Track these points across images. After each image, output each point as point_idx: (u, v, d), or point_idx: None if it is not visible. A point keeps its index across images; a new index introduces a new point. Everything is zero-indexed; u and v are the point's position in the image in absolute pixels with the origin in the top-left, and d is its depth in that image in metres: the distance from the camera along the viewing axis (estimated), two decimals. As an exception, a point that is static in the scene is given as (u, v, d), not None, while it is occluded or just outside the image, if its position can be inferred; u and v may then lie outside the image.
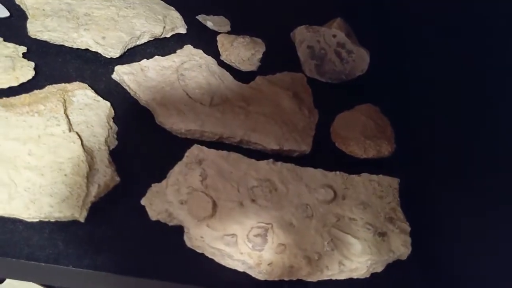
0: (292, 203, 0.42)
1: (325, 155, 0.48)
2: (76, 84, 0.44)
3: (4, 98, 0.41)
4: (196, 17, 0.58)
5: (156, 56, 0.49)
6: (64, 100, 0.42)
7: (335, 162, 0.48)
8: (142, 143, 0.44)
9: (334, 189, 0.44)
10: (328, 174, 0.45)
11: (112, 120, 0.43)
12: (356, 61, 0.55)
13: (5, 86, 0.43)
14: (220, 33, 0.57)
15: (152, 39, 0.53)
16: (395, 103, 0.55)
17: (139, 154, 0.43)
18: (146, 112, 0.46)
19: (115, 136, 0.43)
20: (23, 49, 0.47)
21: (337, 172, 0.45)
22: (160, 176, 0.41)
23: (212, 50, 0.54)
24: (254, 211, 0.40)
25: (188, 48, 0.51)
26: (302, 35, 0.57)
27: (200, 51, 0.51)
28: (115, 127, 0.43)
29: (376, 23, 0.65)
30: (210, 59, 0.51)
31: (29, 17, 0.50)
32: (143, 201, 0.39)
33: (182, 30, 0.55)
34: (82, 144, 0.39)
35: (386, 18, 0.64)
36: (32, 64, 0.46)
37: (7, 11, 0.50)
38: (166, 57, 0.49)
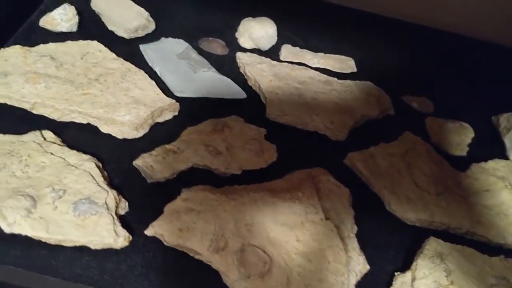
0: (531, 304, 0.43)
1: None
2: (318, 169, 0.49)
3: (265, 183, 0.46)
4: (402, 97, 0.61)
5: (382, 143, 0.53)
6: (315, 186, 0.46)
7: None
8: (376, 229, 0.47)
9: None
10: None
11: (351, 206, 0.47)
12: None
13: (257, 167, 0.49)
14: (424, 114, 0.60)
15: (366, 120, 0.57)
16: None
17: (375, 241, 0.46)
18: (377, 198, 0.49)
19: (354, 221, 0.47)
20: (264, 131, 0.52)
21: None
22: (397, 262, 0.44)
23: (421, 132, 0.57)
24: (499, 311, 0.41)
25: (409, 135, 0.54)
26: (508, 122, 0.58)
27: (419, 138, 0.54)
28: (353, 213, 0.47)
29: None
30: (429, 146, 0.54)
31: (265, 100, 0.55)
32: (392, 291, 0.42)
33: (391, 111, 0.59)
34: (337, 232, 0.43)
35: None
36: (274, 146, 0.51)
37: (244, 93, 0.56)
38: (390, 144, 0.53)
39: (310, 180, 0.47)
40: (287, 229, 0.43)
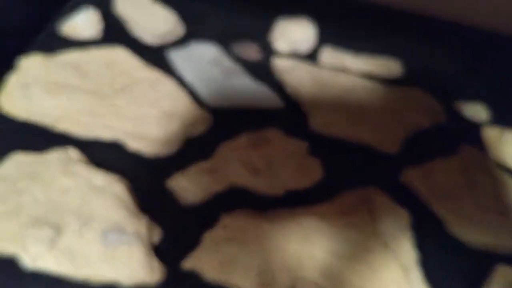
0: None
1: None
2: (371, 189, 0.44)
3: (313, 206, 0.42)
4: (453, 104, 0.56)
5: (439, 158, 0.48)
6: (369, 209, 0.41)
7: None
8: (438, 254, 0.42)
9: None
10: None
11: (410, 228, 0.42)
12: None
13: (301, 186, 0.44)
14: (479, 122, 0.55)
15: (417, 130, 0.52)
16: None
17: (438, 267, 0.41)
18: (436, 219, 0.44)
19: (414, 247, 0.41)
20: (306, 144, 0.48)
21: None
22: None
23: (476, 143, 0.52)
24: None
25: (467, 148, 0.49)
26: None
27: (479, 151, 0.49)
28: (412, 237, 0.42)
29: None
30: (489, 161, 0.48)
31: (306, 110, 0.50)
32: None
33: (443, 120, 0.54)
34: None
35: None
36: (319, 161, 0.46)
37: (282, 102, 0.52)
38: (448, 158, 0.48)
39: (364, 202, 0.42)
40: (342, 260, 0.38)
